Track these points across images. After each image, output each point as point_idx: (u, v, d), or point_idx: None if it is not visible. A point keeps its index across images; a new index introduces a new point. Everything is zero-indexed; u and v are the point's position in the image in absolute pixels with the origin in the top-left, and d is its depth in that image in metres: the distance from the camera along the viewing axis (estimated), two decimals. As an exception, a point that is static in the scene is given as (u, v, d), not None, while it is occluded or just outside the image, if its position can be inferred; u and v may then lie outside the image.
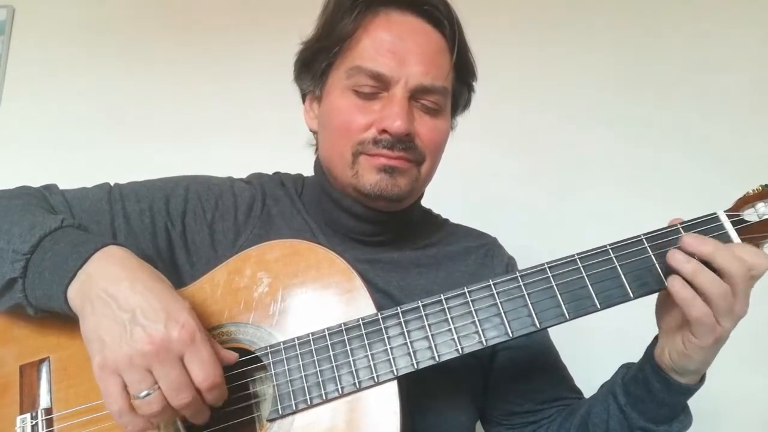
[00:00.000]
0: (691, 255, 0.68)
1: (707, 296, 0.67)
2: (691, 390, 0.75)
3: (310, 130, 1.00)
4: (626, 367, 0.82)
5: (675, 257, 0.69)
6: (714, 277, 0.67)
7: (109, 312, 0.63)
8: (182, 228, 0.89)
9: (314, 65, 0.92)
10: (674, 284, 0.69)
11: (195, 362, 0.63)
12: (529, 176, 1.68)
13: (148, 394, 0.61)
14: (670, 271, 0.70)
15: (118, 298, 0.64)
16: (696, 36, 1.68)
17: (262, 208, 0.95)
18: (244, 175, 1.02)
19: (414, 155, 0.87)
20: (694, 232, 0.71)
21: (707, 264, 0.68)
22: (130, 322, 0.62)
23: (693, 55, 1.66)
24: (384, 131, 0.84)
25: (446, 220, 1.09)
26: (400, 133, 0.83)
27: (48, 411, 0.74)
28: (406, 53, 0.84)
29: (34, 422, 0.73)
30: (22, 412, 0.74)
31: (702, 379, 0.76)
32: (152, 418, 0.63)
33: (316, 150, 1.00)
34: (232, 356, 0.70)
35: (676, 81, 1.66)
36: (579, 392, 0.96)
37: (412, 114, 0.86)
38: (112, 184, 0.91)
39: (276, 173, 1.04)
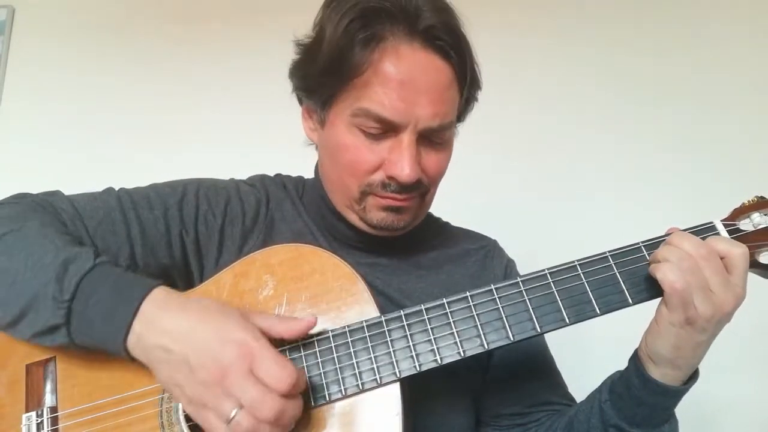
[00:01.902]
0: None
1: (678, 267, 0.68)
2: (668, 390, 0.73)
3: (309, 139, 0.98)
4: (620, 370, 0.82)
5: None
6: (683, 252, 0.69)
7: (171, 361, 0.66)
8: (195, 234, 0.89)
9: (316, 93, 0.87)
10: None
11: (262, 372, 0.64)
12: (528, 177, 1.69)
13: (234, 415, 0.62)
14: None
15: (172, 350, 0.66)
16: (697, 36, 1.69)
17: (267, 213, 0.95)
18: (244, 176, 1.02)
19: (420, 191, 0.87)
20: None
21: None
22: (190, 365, 0.65)
23: (694, 55, 1.68)
24: (392, 178, 0.83)
25: (446, 223, 1.09)
26: (409, 182, 0.82)
27: (53, 409, 0.75)
28: (416, 95, 0.80)
29: (39, 420, 0.74)
30: (27, 411, 0.75)
31: (684, 385, 0.75)
32: None
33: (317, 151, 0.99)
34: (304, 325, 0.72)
35: (677, 81, 1.67)
36: (571, 399, 0.96)
37: (420, 155, 0.84)
38: (117, 189, 0.90)
39: (278, 175, 1.04)
